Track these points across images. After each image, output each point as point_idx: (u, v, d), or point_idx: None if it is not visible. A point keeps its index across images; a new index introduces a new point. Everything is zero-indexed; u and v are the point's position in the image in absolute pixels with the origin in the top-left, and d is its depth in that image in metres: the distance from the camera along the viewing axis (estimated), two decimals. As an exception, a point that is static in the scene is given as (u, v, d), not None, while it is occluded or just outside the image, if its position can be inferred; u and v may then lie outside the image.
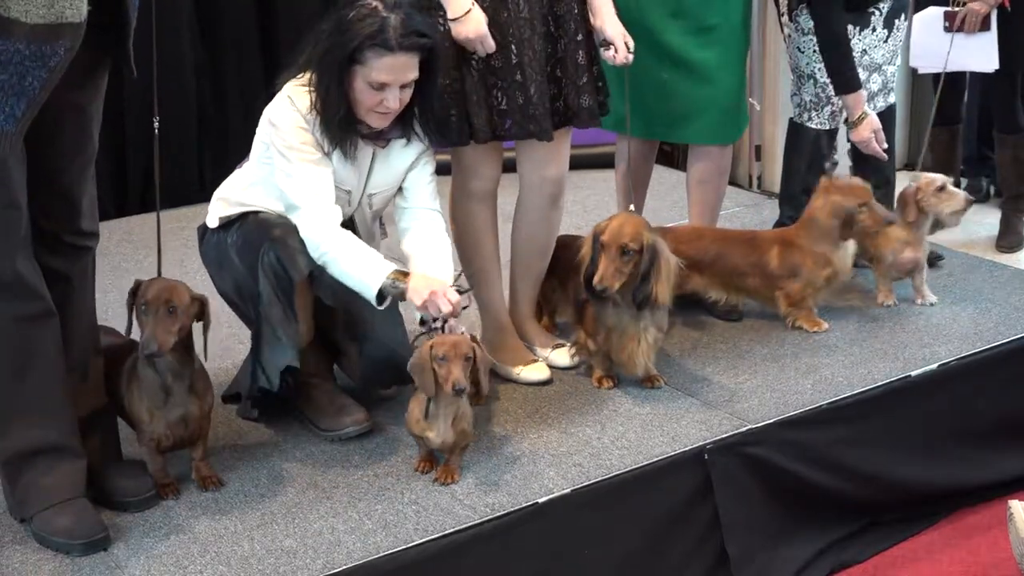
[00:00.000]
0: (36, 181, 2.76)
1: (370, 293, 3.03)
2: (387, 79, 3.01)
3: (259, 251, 3.10)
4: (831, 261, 3.79)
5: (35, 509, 2.83)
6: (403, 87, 3.05)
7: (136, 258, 4.76)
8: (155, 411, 2.92)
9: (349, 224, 3.24)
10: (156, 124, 2.83)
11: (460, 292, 3.06)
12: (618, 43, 3.40)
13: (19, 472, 2.85)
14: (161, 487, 2.98)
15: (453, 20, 3.22)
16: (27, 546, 2.81)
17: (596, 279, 3.28)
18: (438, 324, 3.01)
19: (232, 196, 3.28)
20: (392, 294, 3.03)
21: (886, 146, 4.12)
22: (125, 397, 2.98)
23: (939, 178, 3.96)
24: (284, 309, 3.13)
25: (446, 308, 2.97)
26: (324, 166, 3.10)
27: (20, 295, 2.75)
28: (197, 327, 2.96)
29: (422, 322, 3.08)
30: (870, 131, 4.06)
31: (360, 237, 3.23)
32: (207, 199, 5.51)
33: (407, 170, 3.25)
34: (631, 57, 3.42)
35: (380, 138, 3.16)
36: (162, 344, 2.82)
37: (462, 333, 3.02)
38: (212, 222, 3.31)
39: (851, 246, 3.85)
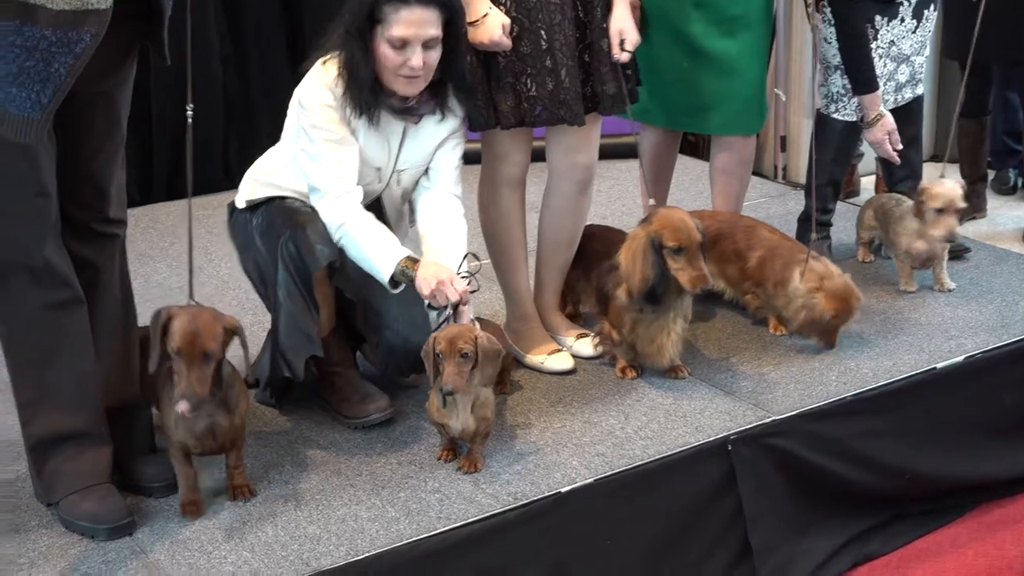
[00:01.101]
0: (65, 169, 2.78)
1: (383, 278, 3.04)
2: (406, 34, 2.99)
3: (279, 239, 3.11)
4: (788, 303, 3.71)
5: (61, 494, 2.85)
6: (426, 47, 3.03)
7: (162, 245, 4.78)
8: (180, 420, 2.81)
9: (377, 203, 3.24)
10: (190, 113, 2.81)
11: (469, 275, 3.05)
12: (613, 39, 3.39)
13: (46, 457, 2.87)
14: (184, 504, 2.86)
15: (470, 24, 3.21)
16: (53, 530, 2.83)
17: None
18: (448, 312, 3.01)
19: (262, 177, 3.28)
20: (403, 281, 3.04)
21: (900, 148, 4.10)
22: (162, 400, 2.90)
23: (944, 196, 3.90)
24: (304, 298, 3.13)
25: (453, 297, 2.97)
26: (347, 146, 3.10)
27: (49, 282, 2.77)
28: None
29: (430, 308, 3.10)
30: (884, 133, 4.05)
31: (388, 218, 3.24)
32: (232, 187, 5.53)
33: (437, 147, 3.24)
34: (625, 56, 3.40)
35: (412, 114, 3.14)
36: (201, 396, 2.69)
37: (472, 321, 3.01)
38: (240, 202, 3.32)
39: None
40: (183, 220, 5.02)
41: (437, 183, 3.27)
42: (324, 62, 3.11)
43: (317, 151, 3.09)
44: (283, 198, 3.22)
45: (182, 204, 5.25)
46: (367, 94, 3.05)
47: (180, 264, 4.55)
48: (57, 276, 2.78)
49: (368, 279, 3.12)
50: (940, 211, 3.91)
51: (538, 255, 3.71)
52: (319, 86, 3.08)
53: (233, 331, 2.79)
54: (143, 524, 2.83)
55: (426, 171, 3.27)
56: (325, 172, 3.09)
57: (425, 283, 2.99)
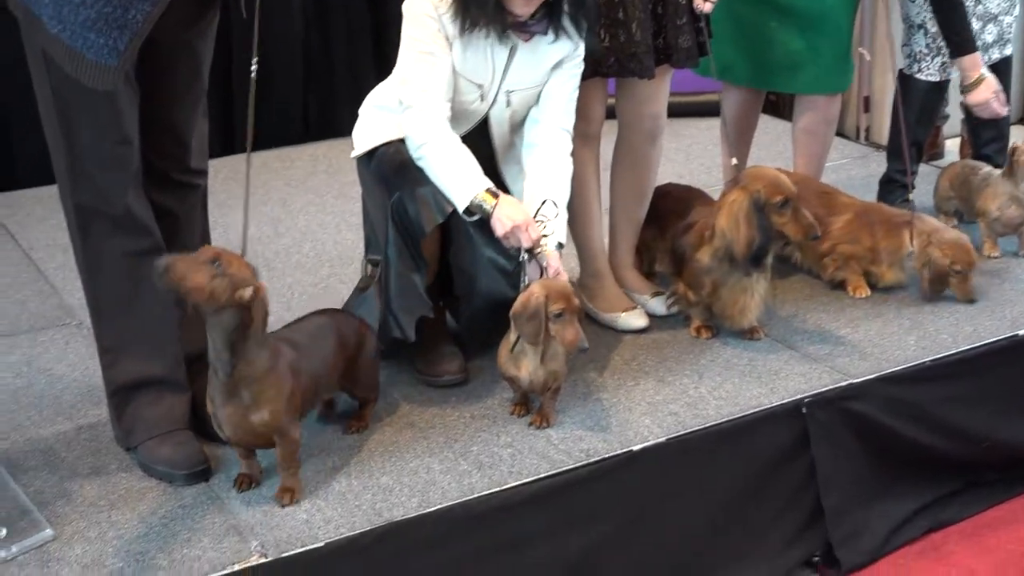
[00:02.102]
0: (147, 118, 2.81)
1: (458, 204, 3.00)
2: None
3: (391, 197, 3.08)
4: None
5: (140, 439, 2.90)
6: None
7: (241, 195, 4.81)
8: (212, 401, 2.68)
9: (484, 127, 3.19)
10: (254, 68, 2.78)
11: (545, 220, 3.01)
12: None
13: (126, 403, 2.92)
14: (238, 476, 2.80)
15: None
16: (132, 474, 2.88)
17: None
18: (523, 257, 3.00)
19: (372, 113, 3.24)
20: (479, 213, 3.00)
21: (1008, 108, 4.00)
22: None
23: None
24: (413, 258, 3.11)
25: (526, 243, 2.95)
26: (439, 60, 3.02)
27: (130, 230, 2.81)
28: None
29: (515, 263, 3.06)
30: (990, 92, 3.93)
31: (495, 145, 3.20)
32: (311, 140, 5.60)
33: (551, 70, 3.16)
34: (708, 6, 3.36)
35: (524, 30, 3.06)
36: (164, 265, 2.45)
37: (544, 267, 2.98)
38: (357, 151, 3.27)
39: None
40: (263, 171, 5.09)
41: (545, 114, 3.20)
42: None
43: (408, 63, 3.04)
44: (397, 145, 3.13)
45: (263, 155, 5.29)
46: (487, 14, 2.96)
47: (259, 214, 4.59)
48: (138, 224, 2.81)
49: (465, 244, 3.10)
50: None
51: (611, 212, 3.69)
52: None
53: (258, 290, 2.57)
54: (219, 471, 2.87)
55: (537, 99, 3.20)
56: (413, 86, 3.03)
57: (500, 223, 2.96)
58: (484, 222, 3.01)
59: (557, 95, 3.19)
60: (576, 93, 3.22)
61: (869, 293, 3.73)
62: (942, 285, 3.65)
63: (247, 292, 2.54)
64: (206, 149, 3.00)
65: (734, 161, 3.50)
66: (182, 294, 2.48)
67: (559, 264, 3.05)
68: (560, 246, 3.10)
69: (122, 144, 2.74)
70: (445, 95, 3.04)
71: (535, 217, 3.03)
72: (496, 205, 2.97)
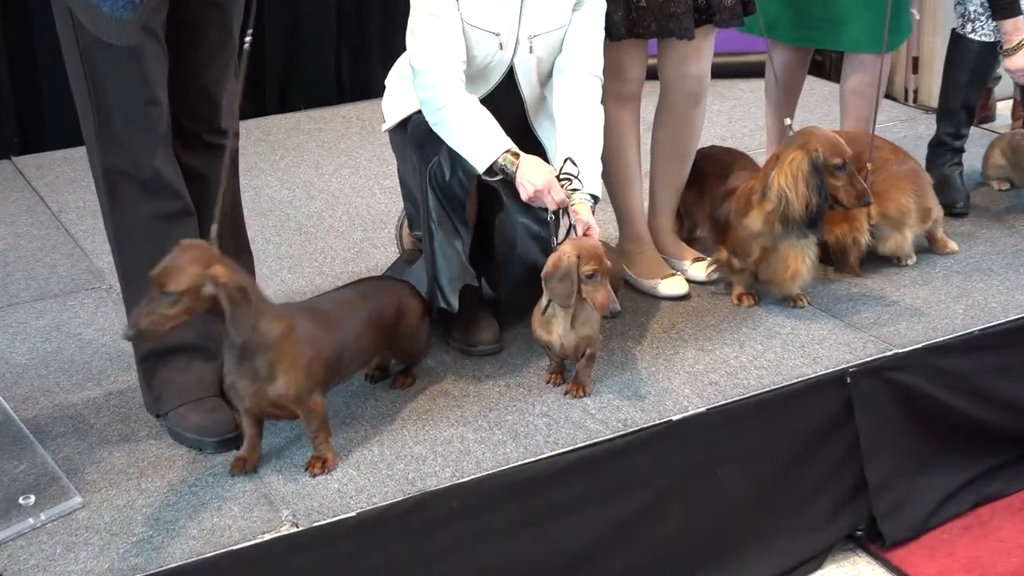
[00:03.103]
0: (177, 79, 2.80)
1: (478, 167, 2.95)
2: None
3: (429, 163, 3.05)
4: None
5: (170, 406, 2.90)
6: None
7: (272, 159, 4.82)
8: (230, 371, 2.67)
9: (509, 80, 3.14)
10: (248, 40, 2.64)
11: (569, 177, 2.96)
12: None
13: (155, 369, 2.93)
14: (235, 459, 2.77)
15: None
16: (163, 441, 2.89)
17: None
18: (551, 218, 2.96)
19: (398, 84, 3.22)
20: (502, 175, 2.95)
21: None
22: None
23: None
24: (454, 225, 3.09)
25: (551, 205, 2.92)
26: (448, 20, 2.97)
27: (159, 192, 2.80)
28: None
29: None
30: None
31: (525, 99, 3.15)
32: (345, 101, 5.58)
33: (572, 9, 3.11)
34: None
35: None
36: (138, 327, 2.47)
37: (573, 224, 2.94)
38: (388, 123, 3.26)
39: None
40: (295, 132, 5.09)
41: (570, 60, 3.14)
42: None
43: (416, 27, 3.00)
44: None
45: (295, 117, 5.30)
46: None
47: (291, 177, 4.59)
48: (167, 187, 2.81)
49: (502, 210, 3.06)
50: None
51: (651, 175, 3.66)
52: None
53: (215, 281, 2.50)
54: (250, 438, 2.87)
55: (562, 48, 3.15)
56: (423, 50, 2.98)
57: (523, 188, 2.92)
58: (515, 194, 2.97)
59: (580, 38, 3.13)
60: (602, 35, 3.17)
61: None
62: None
63: (207, 290, 2.50)
64: (236, 110, 2.98)
65: (788, 121, 3.43)
66: (163, 335, 2.51)
67: (590, 218, 2.98)
68: (595, 199, 3.05)
69: (151, 105, 2.73)
70: (457, 56, 2.99)
71: (559, 176, 2.97)
72: (518, 167, 2.93)
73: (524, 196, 2.94)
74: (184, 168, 2.87)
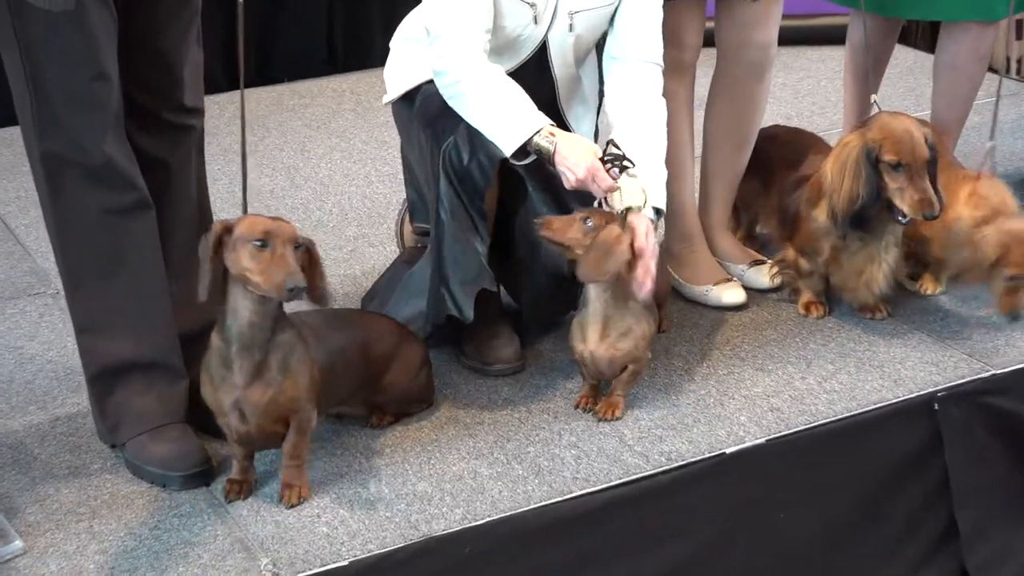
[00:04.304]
0: (130, 47, 2.80)
1: (506, 148, 2.93)
2: None
3: (443, 143, 3.06)
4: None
5: (127, 435, 2.92)
6: None
7: (251, 140, 4.84)
8: (217, 386, 2.71)
9: (540, 56, 3.16)
10: None
11: (613, 159, 2.93)
12: None
13: (110, 390, 2.94)
14: (228, 483, 2.82)
15: None
16: (119, 476, 2.91)
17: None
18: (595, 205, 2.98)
19: (405, 47, 3.26)
20: (536, 156, 2.94)
21: None
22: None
23: None
24: (471, 218, 3.09)
25: (598, 194, 2.92)
26: None
27: (110, 183, 2.81)
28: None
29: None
30: None
31: (556, 82, 3.17)
32: (335, 72, 5.58)
33: None
34: None
35: None
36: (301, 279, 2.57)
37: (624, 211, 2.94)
38: (391, 95, 3.29)
39: None
40: (277, 109, 5.11)
41: (626, 48, 3.15)
42: None
43: None
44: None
45: (276, 90, 5.32)
46: None
47: (272, 163, 4.62)
48: (119, 175, 2.81)
49: (529, 207, 3.09)
50: None
51: (704, 161, 3.68)
52: None
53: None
54: (222, 473, 2.88)
55: (612, 30, 3.15)
56: (443, 12, 2.99)
57: (564, 177, 2.91)
58: (542, 181, 2.99)
59: (636, 20, 3.15)
60: (660, 15, 3.19)
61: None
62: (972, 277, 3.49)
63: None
64: (201, 83, 2.99)
65: (874, 98, 3.44)
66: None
67: (651, 236, 2.93)
68: (658, 213, 3.04)
69: (98, 80, 2.73)
70: (482, 23, 3.00)
71: (603, 158, 2.93)
72: (556, 147, 2.90)
73: (567, 185, 2.93)
74: (140, 153, 2.87)
